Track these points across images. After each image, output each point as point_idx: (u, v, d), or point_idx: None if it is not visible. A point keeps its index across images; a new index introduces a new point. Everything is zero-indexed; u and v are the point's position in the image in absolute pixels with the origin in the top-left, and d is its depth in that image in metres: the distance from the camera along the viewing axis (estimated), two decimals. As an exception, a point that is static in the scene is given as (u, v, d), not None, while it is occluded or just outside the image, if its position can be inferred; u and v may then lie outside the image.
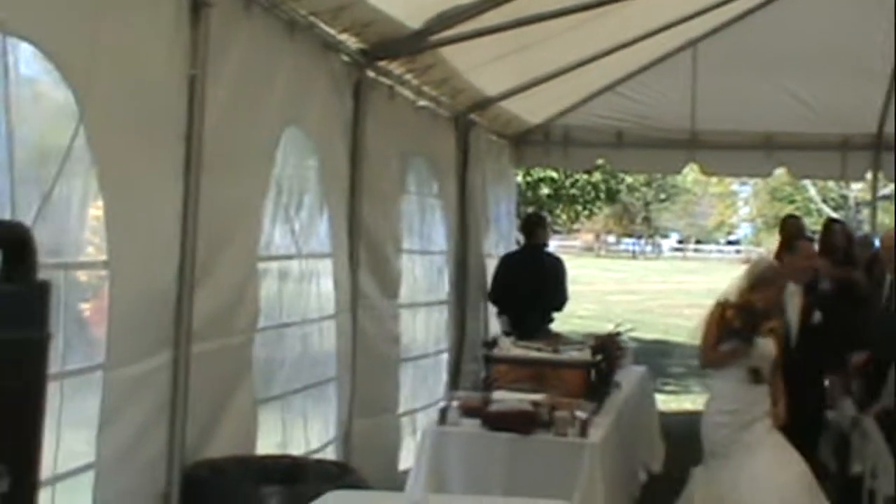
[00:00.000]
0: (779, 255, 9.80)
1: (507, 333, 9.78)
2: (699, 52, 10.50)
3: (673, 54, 10.54)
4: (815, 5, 9.63)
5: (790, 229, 10.72)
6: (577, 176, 23.71)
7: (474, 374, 8.26)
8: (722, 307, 7.03)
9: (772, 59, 10.38)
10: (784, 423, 7.12)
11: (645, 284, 40.38)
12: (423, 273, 8.47)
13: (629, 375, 9.04)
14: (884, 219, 24.55)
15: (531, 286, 10.16)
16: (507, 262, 10.47)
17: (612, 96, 11.00)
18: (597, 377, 7.52)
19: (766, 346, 6.98)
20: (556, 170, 21.76)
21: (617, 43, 9.11)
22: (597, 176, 23.59)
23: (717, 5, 9.07)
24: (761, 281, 7.14)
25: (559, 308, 10.75)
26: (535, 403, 6.60)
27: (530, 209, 20.54)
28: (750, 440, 7.01)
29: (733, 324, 6.88)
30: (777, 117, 11.05)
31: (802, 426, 7.49)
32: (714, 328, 7.02)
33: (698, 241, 78.88)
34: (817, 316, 7.99)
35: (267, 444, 5.69)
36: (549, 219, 12.97)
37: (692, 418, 13.17)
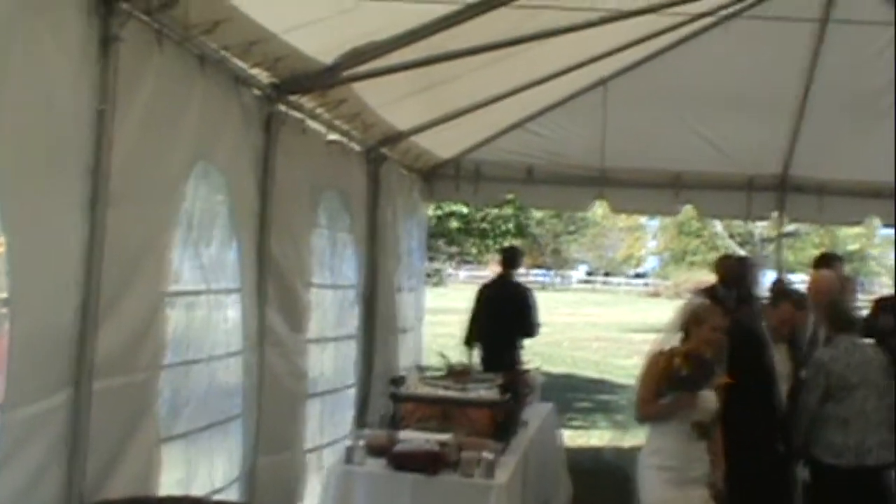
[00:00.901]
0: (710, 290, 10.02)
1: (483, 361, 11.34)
2: (609, 91, 10.54)
3: (583, 92, 10.59)
4: (724, 47, 9.72)
5: (726, 270, 10.89)
6: (486, 210, 23.80)
7: (382, 409, 8.20)
8: (668, 355, 6.52)
9: (681, 98, 10.54)
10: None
11: (554, 316, 40.45)
12: (333, 307, 8.41)
13: (536, 412, 9.05)
14: (788, 255, 25.04)
15: (508, 316, 11.74)
16: (483, 293, 12.05)
17: (523, 132, 11.06)
18: (504, 416, 7.52)
19: (711, 399, 6.55)
20: (467, 204, 21.82)
21: (528, 80, 9.17)
22: (507, 209, 23.69)
23: (629, 45, 9.17)
24: (694, 321, 6.69)
25: (532, 335, 12.27)
26: (442, 444, 6.58)
27: (440, 242, 20.67)
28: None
29: (681, 372, 6.36)
30: (685, 156, 11.22)
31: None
32: (655, 378, 6.50)
33: (607, 274, 79.47)
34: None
35: (170, 483, 5.58)
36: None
37: (598, 454, 13.37)
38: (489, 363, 11.23)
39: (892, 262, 54.88)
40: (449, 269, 56.38)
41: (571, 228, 58.42)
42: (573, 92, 10.52)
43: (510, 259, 12.36)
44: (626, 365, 25.70)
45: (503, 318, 11.81)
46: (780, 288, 9.75)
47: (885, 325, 9.08)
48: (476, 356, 11.60)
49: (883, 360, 7.91)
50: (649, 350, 6.81)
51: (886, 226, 12.81)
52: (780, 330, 7.85)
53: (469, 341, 11.94)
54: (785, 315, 7.88)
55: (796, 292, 8.51)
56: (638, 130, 10.83)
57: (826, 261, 10.52)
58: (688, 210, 12.28)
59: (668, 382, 6.41)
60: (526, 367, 9.13)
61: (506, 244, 26.89)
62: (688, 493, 6.48)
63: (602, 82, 10.44)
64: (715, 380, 6.57)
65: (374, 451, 6.62)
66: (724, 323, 6.76)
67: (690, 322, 6.69)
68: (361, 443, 6.65)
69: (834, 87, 10.22)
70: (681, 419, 6.47)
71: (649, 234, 70.32)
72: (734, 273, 10.65)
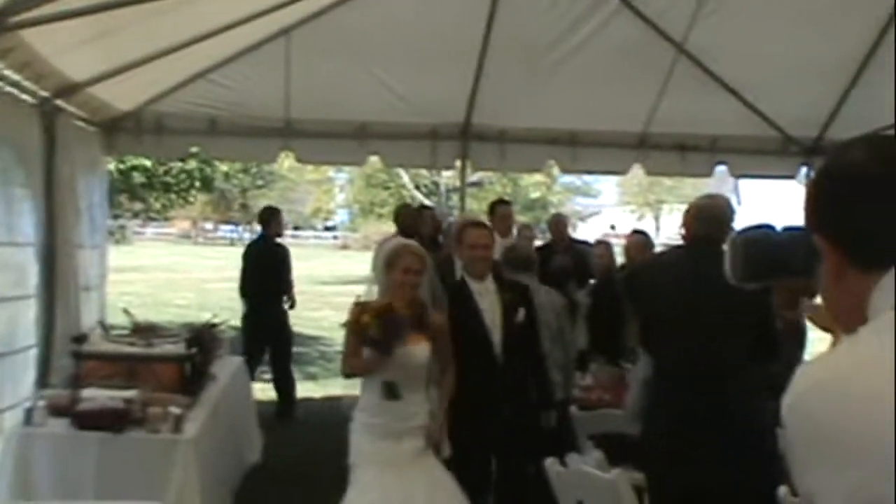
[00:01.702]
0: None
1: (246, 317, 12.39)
2: (293, 40, 10.42)
3: (267, 41, 10.45)
4: (408, -3, 9.86)
5: (404, 219, 11.06)
6: (171, 164, 23.28)
7: (65, 370, 7.93)
8: (359, 311, 6.12)
9: (366, 48, 10.52)
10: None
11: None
12: (9, 266, 8.05)
13: (225, 367, 8.99)
14: (472, 205, 25.72)
15: (271, 275, 12.52)
16: (248, 253, 12.82)
17: (206, 83, 10.81)
18: (192, 370, 7.44)
19: (412, 354, 6.18)
20: (150, 157, 21.28)
21: (209, 29, 8.96)
22: (192, 163, 23.24)
23: (312, -6, 9.15)
24: (385, 266, 6.29)
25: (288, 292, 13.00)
26: (128, 401, 6.45)
27: (123, 197, 20.13)
28: (399, 458, 6.25)
29: (369, 331, 5.99)
30: (371, 107, 11.28)
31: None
32: (354, 331, 6.17)
33: (296, 228, 79.48)
34: (521, 314, 7.16)
35: None
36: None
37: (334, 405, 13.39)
38: (253, 319, 12.49)
39: (571, 210, 57.28)
40: (135, 227, 55.11)
41: (259, 183, 58.00)
42: (257, 41, 10.34)
43: (266, 219, 12.98)
44: (316, 317, 25.86)
45: (264, 276, 12.54)
46: None
47: (560, 268, 9.50)
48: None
49: (557, 303, 8.27)
50: (354, 300, 6.37)
51: (564, 171, 13.38)
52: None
53: (243, 294, 12.68)
54: None
55: None
56: (323, 81, 10.78)
57: (497, 204, 11.51)
58: (374, 161, 12.38)
59: (361, 340, 6.10)
60: (213, 321, 9.01)
61: (190, 199, 26.51)
62: (399, 445, 6.21)
63: (285, 31, 10.34)
64: (410, 334, 6.14)
65: (57, 411, 6.42)
66: (418, 263, 6.30)
67: (382, 268, 6.33)
68: (42, 403, 6.44)
69: (511, 39, 10.48)
70: (375, 377, 6.20)
71: (338, 188, 70.86)
72: (412, 221, 10.90)
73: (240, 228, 72.57)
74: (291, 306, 13.10)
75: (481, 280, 7.10)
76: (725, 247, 5.41)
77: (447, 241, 10.03)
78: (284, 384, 12.88)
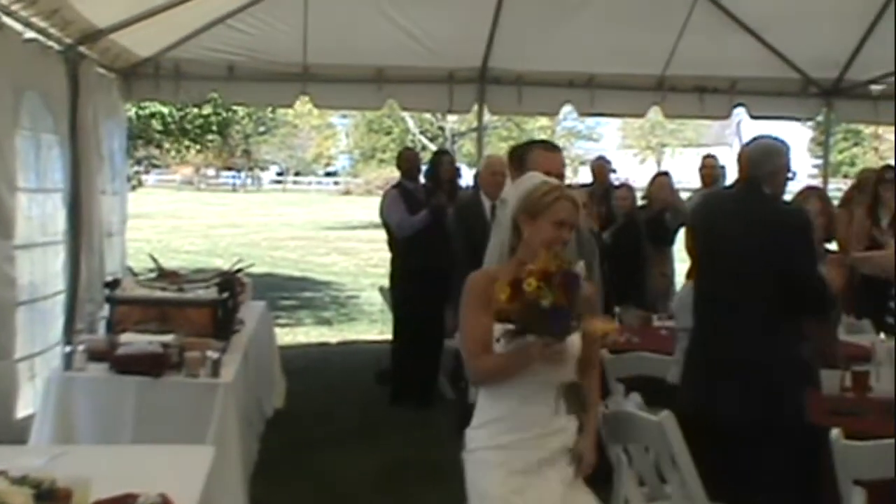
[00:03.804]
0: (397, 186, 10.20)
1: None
2: (311, -14, 10.44)
3: (284, -13, 10.47)
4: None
5: (408, 162, 11.00)
6: (187, 110, 23.20)
7: (91, 315, 7.97)
8: (514, 278, 3.94)
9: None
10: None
11: (248, 218, 40.37)
12: (40, 212, 8.08)
13: (250, 312, 9.03)
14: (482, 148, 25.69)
15: None
16: None
17: (224, 29, 10.78)
18: (223, 315, 7.47)
19: (572, 342, 4.13)
20: (167, 104, 21.22)
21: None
22: (207, 109, 23.16)
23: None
24: (530, 211, 4.27)
25: None
26: (165, 345, 6.47)
27: (139, 144, 20.10)
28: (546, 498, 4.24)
29: (540, 302, 3.86)
30: (388, 51, 11.27)
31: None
32: (486, 314, 4.14)
33: (297, 174, 79.51)
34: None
35: None
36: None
37: (306, 351, 13.52)
38: None
39: (574, 154, 57.18)
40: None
41: (262, 129, 57.85)
42: (275, -13, 10.36)
43: None
44: (325, 262, 26.03)
45: None
46: None
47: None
48: None
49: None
50: (470, 276, 4.39)
51: (582, 115, 13.40)
52: None
53: None
54: None
55: None
56: (340, 26, 10.78)
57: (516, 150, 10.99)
58: (391, 104, 12.38)
59: (519, 321, 4.01)
60: (237, 266, 9.04)
61: (207, 145, 26.45)
62: (539, 480, 4.23)
63: (303, -23, 10.32)
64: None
65: (95, 356, 6.43)
66: (575, 214, 4.35)
67: (519, 216, 4.32)
68: (81, 348, 6.46)
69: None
70: (534, 377, 4.16)
71: (341, 133, 70.77)
72: (415, 165, 10.88)
73: (242, 175, 72.62)
74: None
75: None
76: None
77: (478, 179, 9.97)
78: None
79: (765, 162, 5.65)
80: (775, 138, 5.82)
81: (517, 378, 4.17)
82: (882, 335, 7.41)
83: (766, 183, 5.56)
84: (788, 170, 5.73)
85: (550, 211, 4.26)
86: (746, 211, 5.55)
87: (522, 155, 5.62)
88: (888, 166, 10.40)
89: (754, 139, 5.89)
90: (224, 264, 9.92)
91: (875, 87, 11.80)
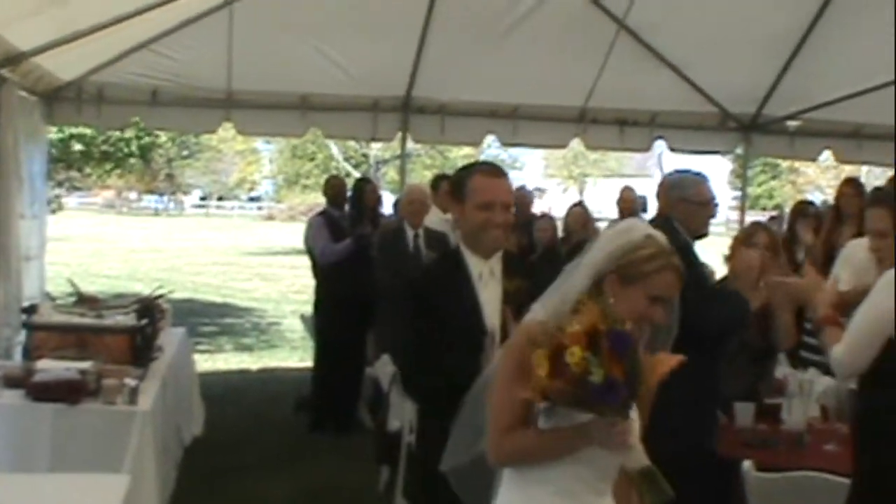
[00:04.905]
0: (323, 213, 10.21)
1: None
2: (236, 11, 10.32)
3: (209, 13, 10.38)
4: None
5: (334, 190, 11.02)
6: (109, 133, 23.06)
7: (8, 341, 7.89)
8: (554, 337, 3.15)
9: (309, 19, 10.52)
10: None
11: (170, 242, 39.99)
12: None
13: (170, 338, 8.97)
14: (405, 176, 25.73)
15: None
16: None
17: (148, 54, 10.72)
18: (142, 342, 7.42)
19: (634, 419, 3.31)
20: (91, 127, 21.01)
21: (151, 1, 8.92)
22: (129, 133, 23.03)
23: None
24: (631, 273, 3.41)
25: None
26: (83, 372, 6.42)
27: (60, 166, 19.92)
28: None
29: (589, 377, 3.06)
30: (312, 78, 11.28)
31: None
32: (527, 378, 3.18)
33: (221, 198, 79.04)
34: None
35: None
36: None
37: (226, 378, 13.45)
38: None
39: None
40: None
41: (185, 153, 57.54)
42: (199, 13, 10.28)
43: None
44: (247, 288, 25.88)
45: None
46: None
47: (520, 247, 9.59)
48: None
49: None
50: (522, 326, 3.52)
51: (505, 145, 13.52)
52: None
53: None
54: None
55: None
56: (265, 52, 10.76)
57: (440, 179, 11.13)
58: (314, 132, 12.39)
59: (565, 404, 3.21)
60: (157, 291, 8.98)
61: (128, 169, 26.32)
62: None
63: (228, 3, 10.29)
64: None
65: (11, 382, 6.37)
66: (676, 292, 3.51)
67: (608, 278, 3.43)
68: (-4, 375, 6.40)
69: (454, 13, 10.53)
70: (589, 463, 3.34)
71: (265, 158, 70.59)
72: (341, 193, 10.94)
73: (165, 198, 72.05)
74: None
75: (487, 257, 4.68)
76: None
77: (398, 208, 10.00)
78: None
79: (675, 198, 5.76)
80: (695, 173, 5.92)
81: (560, 461, 3.33)
82: (794, 368, 7.54)
83: (678, 218, 5.67)
84: (706, 204, 5.83)
85: (651, 281, 3.39)
86: None
87: (461, 181, 4.72)
88: (805, 202, 10.61)
89: (671, 173, 6.00)
90: (144, 289, 9.82)
91: (791, 123, 12.05)
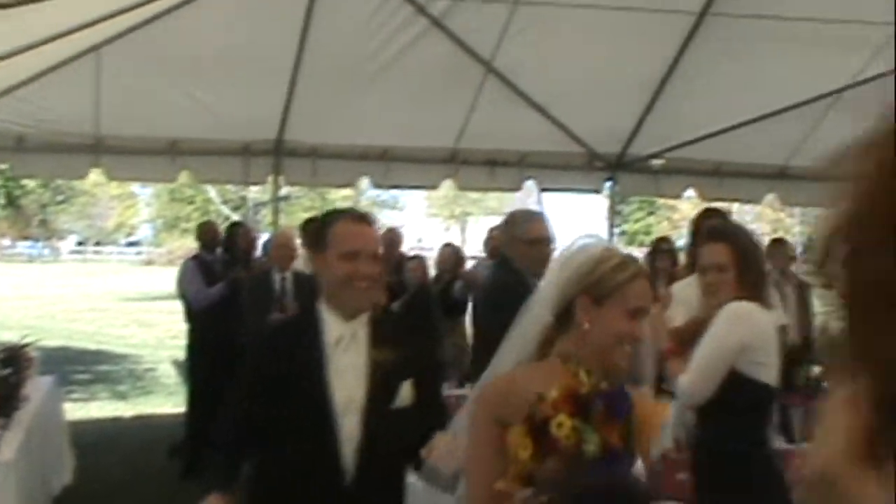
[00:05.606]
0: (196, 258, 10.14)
1: None
2: (104, 57, 10.25)
3: (75, 59, 10.28)
4: (220, 12, 9.85)
5: (207, 234, 11.00)
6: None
7: None
8: (532, 407, 2.77)
9: (177, 64, 10.46)
10: None
11: (44, 289, 39.22)
12: None
13: (37, 387, 8.84)
14: (283, 218, 25.71)
15: None
16: None
17: (13, 100, 10.59)
18: (6, 391, 7.31)
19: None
20: (-47, 174, 20.67)
21: (16, 47, 8.83)
22: (-5, 179, 22.66)
23: (122, 11, 9.04)
24: (600, 292, 3.03)
25: None
26: (-58, 423, 6.32)
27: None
28: None
29: (583, 449, 2.74)
30: (182, 122, 11.20)
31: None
32: (501, 451, 2.81)
33: (98, 243, 77.82)
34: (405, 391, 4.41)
35: None
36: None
37: (99, 426, 13.25)
38: None
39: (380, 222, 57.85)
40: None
41: (60, 198, 56.65)
42: (65, 58, 10.18)
43: None
44: (123, 334, 25.53)
45: None
46: None
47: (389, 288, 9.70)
48: None
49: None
50: (482, 391, 3.17)
51: (378, 187, 13.59)
52: None
53: None
54: None
55: None
56: (134, 96, 10.66)
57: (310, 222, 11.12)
58: (185, 176, 12.31)
59: (560, 473, 2.73)
60: (25, 340, 8.85)
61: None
62: None
63: (95, 48, 10.21)
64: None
65: None
66: (650, 297, 3.18)
67: (579, 302, 3.04)
68: None
69: (323, 57, 10.58)
70: None
71: (142, 202, 69.76)
72: (214, 237, 10.96)
73: (39, 245, 70.68)
74: None
75: (351, 318, 4.11)
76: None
77: (267, 253, 10.01)
78: None
79: (509, 236, 5.91)
80: (532, 211, 6.07)
81: None
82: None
83: (513, 256, 5.80)
84: (537, 243, 5.92)
85: (627, 293, 2.99)
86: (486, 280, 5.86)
87: (322, 230, 4.19)
88: (662, 238, 10.88)
89: (514, 211, 6.14)
90: (14, 338, 9.65)
91: (655, 162, 12.33)
